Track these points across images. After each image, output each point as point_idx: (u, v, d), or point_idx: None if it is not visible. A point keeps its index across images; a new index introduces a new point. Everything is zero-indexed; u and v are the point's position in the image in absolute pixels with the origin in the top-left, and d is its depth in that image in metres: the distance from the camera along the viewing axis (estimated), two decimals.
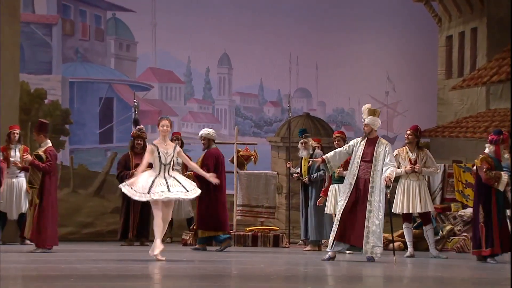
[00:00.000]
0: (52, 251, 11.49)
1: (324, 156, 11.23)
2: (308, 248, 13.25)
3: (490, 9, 16.62)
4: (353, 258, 11.38)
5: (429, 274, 9.58)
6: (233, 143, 14.21)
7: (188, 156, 11.07)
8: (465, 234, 14.00)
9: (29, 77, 15.83)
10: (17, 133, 13.78)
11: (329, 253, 10.81)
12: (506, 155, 11.85)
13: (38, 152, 11.65)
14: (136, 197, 9.94)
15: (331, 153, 11.14)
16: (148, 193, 9.88)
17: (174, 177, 10.11)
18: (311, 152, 13.25)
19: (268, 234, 14.09)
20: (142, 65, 16.91)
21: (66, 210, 15.48)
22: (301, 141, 13.34)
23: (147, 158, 10.14)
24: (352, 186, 10.72)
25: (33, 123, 15.72)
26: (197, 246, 12.68)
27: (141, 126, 14.05)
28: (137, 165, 13.43)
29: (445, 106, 17.21)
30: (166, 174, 10.06)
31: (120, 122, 16.46)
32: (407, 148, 12.24)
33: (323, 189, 13.06)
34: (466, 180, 14.37)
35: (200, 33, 16.73)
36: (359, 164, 10.74)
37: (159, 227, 10.10)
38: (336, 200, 12.42)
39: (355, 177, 10.74)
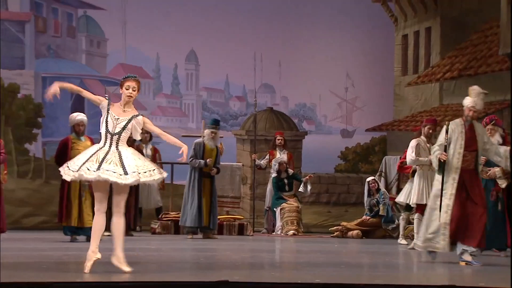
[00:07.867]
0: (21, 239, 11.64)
1: None
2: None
3: (443, 9, 16.95)
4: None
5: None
6: (200, 136, 14.61)
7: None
8: None
9: (3, 72, 16.03)
10: None
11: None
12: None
13: None
14: (67, 176, 7.31)
15: None
16: (77, 170, 7.22)
17: (120, 153, 7.32)
18: (217, 145, 13.20)
19: (233, 223, 14.18)
20: (112, 61, 17.18)
21: (39, 200, 15.77)
22: (213, 130, 13.17)
23: (91, 96, 7.50)
24: None
25: (6, 117, 16.15)
26: None
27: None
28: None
29: (401, 101, 17.51)
30: (113, 148, 7.33)
31: (91, 116, 16.84)
32: (424, 139, 11.53)
33: None
34: None
35: (169, 30, 17.00)
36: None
37: (96, 225, 7.31)
38: None
39: None
